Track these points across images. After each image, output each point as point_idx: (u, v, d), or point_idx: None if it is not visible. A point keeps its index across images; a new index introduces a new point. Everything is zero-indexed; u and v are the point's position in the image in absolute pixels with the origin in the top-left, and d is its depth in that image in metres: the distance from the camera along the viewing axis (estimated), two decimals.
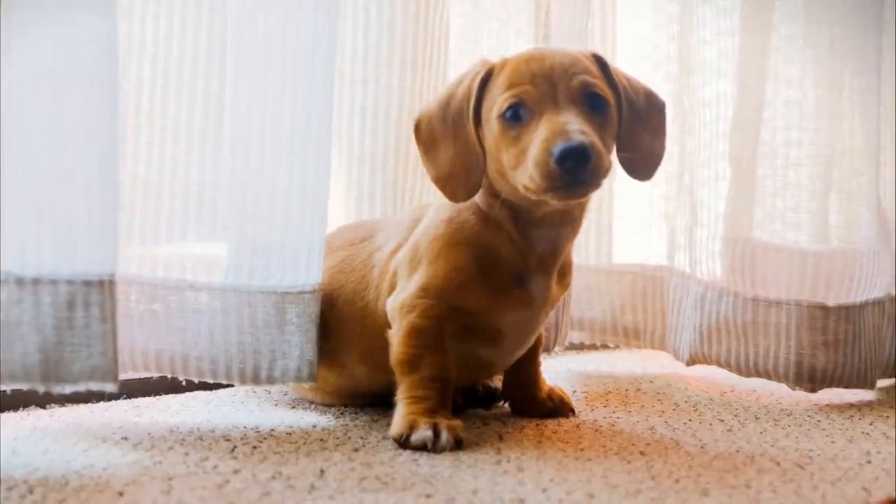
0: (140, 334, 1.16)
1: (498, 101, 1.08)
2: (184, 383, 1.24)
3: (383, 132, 1.40)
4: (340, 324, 1.20)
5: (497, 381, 1.31)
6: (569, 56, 1.09)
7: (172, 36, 1.17)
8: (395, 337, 1.13)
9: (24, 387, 0.99)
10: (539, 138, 1.03)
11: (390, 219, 1.28)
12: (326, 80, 1.16)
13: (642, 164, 1.15)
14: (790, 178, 1.46)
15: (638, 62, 1.63)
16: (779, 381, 1.42)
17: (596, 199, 1.59)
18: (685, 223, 1.51)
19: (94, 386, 1.00)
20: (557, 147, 1.01)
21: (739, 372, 1.44)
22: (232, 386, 1.31)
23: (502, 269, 1.12)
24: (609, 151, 1.08)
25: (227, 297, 1.16)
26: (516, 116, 1.06)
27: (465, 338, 1.14)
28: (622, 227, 1.66)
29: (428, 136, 1.14)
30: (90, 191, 1.00)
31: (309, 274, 1.17)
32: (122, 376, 1.26)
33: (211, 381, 1.18)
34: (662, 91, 1.57)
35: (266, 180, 1.16)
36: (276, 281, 1.16)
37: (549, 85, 1.06)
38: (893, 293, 1.52)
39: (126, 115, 1.16)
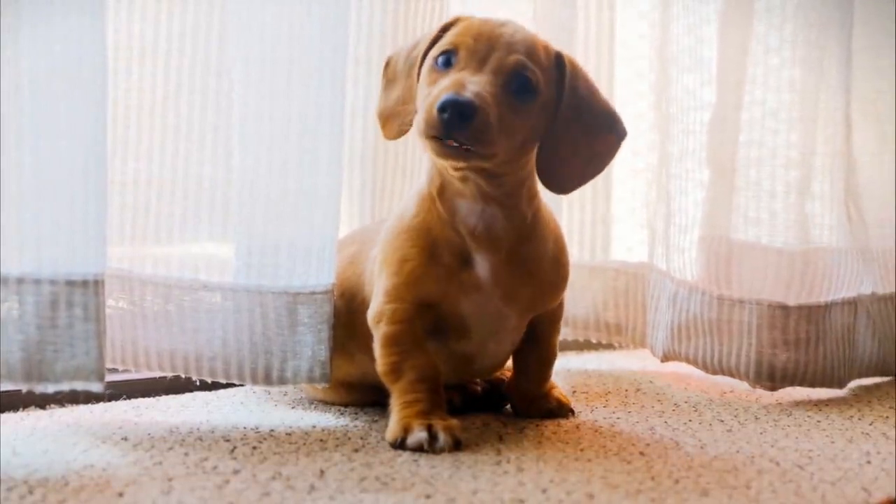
0: (154, 334, 1.16)
1: (439, 45, 1.09)
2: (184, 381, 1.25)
3: (361, 131, 1.40)
4: (347, 314, 1.20)
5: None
6: (523, 35, 1.09)
7: (185, 34, 1.17)
8: (376, 348, 1.13)
9: (7, 386, 1.00)
10: (439, 86, 1.04)
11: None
12: (336, 78, 1.16)
13: (556, 174, 1.12)
14: (764, 178, 1.46)
15: (634, 60, 1.62)
16: (740, 378, 1.43)
17: (579, 196, 1.60)
18: (663, 221, 1.52)
19: (79, 385, 1.00)
20: (444, 96, 1.01)
21: (706, 369, 1.46)
22: (233, 386, 1.31)
23: (443, 250, 1.12)
24: (512, 136, 1.06)
25: (240, 298, 1.16)
26: (447, 63, 1.07)
27: (436, 334, 1.14)
28: (609, 224, 1.66)
29: (391, 73, 1.17)
30: (76, 191, 1.00)
31: (321, 274, 1.17)
32: (125, 376, 1.28)
33: (224, 381, 1.19)
34: (654, 89, 1.58)
35: (277, 179, 1.16)
36: (286, 281, 1.17)
37: (486, 48, 1.06)
38: (879, 292, 1.53)
39: (140, 115, 1.16)
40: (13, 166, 0.98)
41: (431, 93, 1.04)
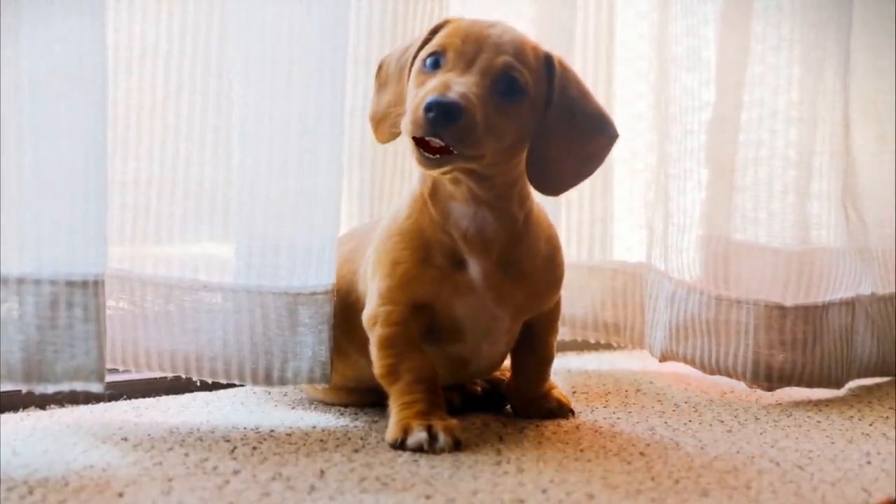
0: (155, 334, 1.16)
1: (428, 47, 1.09)
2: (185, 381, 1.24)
3: (361, 132, 1.40)
4: (341, 311, 1.20)
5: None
6: (511, 36, 1.09)
7: (185, 34, 1.17)
8: (372, 351, 1.13)
9: (7, 386, 1.00)
10: (426, 87, 1.04)
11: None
12: (336, 78, 1.17)
13: (545, 176, 1.11)
14: (762, 178, 1.47)
15: (634, 60, 1.62)
16: (737, 379, 1.44)
17: (577, 196, 1.60)
18: (662, 221, 1.52)
19: (79, 386, 1.00)
20: (429, 97, 1.01)
21: (703, 369, 1.46)
22: (233, 386, 1.31)
23: (436, 252, 1.12)
24: (499, 137, 1.05)
25: (240, 298, 1.16)
26: (435, 64, 1.07)
27: (430, 336, 1.14)
28: (608, 224, 1.66)
29: (383, 76, 1.17)
30: (76, 191, 1.00)
31: (321, 274, 1.17)
32: (125, 376, 1.28)
33: (224, 381, 1.19)
34: (653, 89, 1.58)
35: (277, 178, 1.16)
36: (286, 281, 1.17)
37: (474, 49, 1.06)
38: (878, 293, 1.53)
39: (140, 115, 1.17)
40: (13, 166, 0.98)
41: (418, 94, 1.04)
